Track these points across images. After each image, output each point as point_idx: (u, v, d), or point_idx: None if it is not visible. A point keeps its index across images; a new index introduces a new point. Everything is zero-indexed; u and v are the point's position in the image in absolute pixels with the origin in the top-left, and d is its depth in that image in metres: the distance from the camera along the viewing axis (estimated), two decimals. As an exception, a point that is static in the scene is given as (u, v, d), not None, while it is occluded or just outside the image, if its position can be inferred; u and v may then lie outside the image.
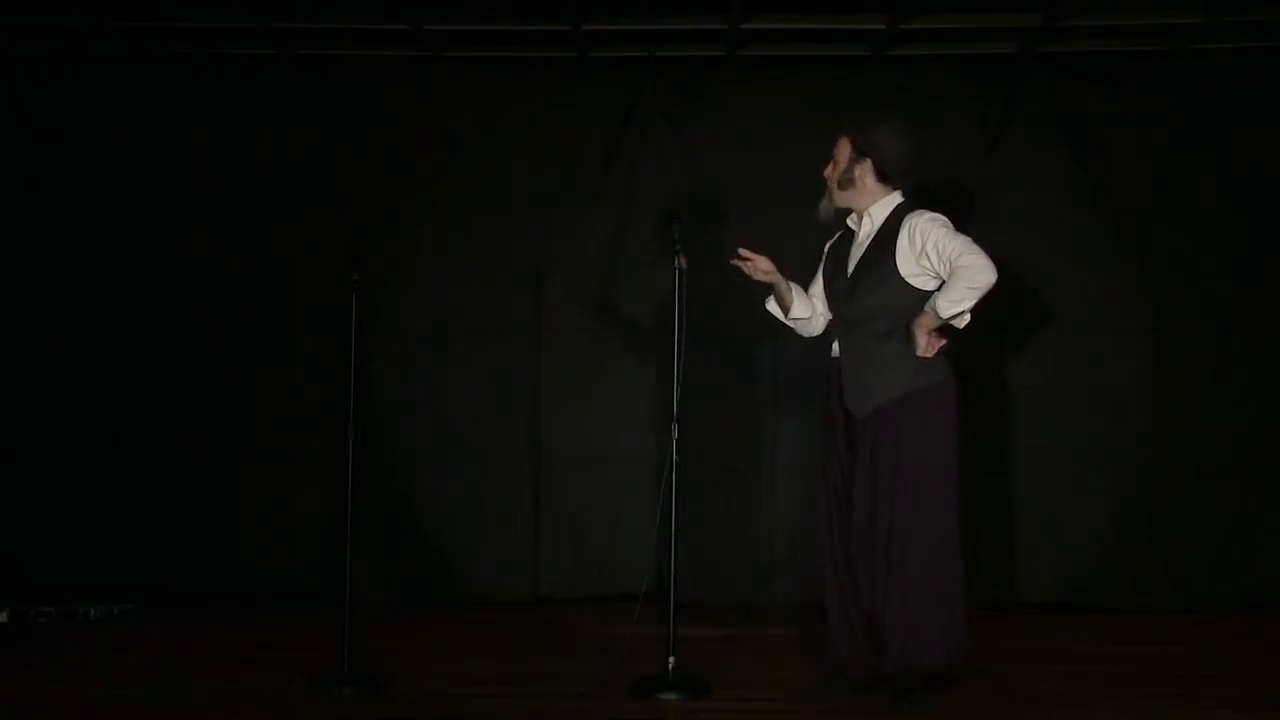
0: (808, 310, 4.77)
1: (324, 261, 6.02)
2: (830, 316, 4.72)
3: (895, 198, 4.61)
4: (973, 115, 6.32)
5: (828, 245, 4.82)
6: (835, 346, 4.61)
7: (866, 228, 4.61)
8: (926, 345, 4.43)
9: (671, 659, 4.64)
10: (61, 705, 4.52)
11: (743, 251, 4.69)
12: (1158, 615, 6.06)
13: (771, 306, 4.87)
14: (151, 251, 6.37)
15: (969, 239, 4.39)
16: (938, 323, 4.42)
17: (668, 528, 4.72)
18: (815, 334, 4.81)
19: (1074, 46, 6.29)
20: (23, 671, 5.01)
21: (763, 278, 4.71)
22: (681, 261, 4.69)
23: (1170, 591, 6.21)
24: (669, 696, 4.57)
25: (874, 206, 4.59)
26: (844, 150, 4.63)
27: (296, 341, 6.30)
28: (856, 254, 4.61)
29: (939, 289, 4.42)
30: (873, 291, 4.50)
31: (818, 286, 4.80)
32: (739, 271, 4.71)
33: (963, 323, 4.46)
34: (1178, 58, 6.30)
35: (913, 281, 4.47)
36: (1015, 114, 6.34)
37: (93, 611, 5.90)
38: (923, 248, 4.42)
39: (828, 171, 4.66)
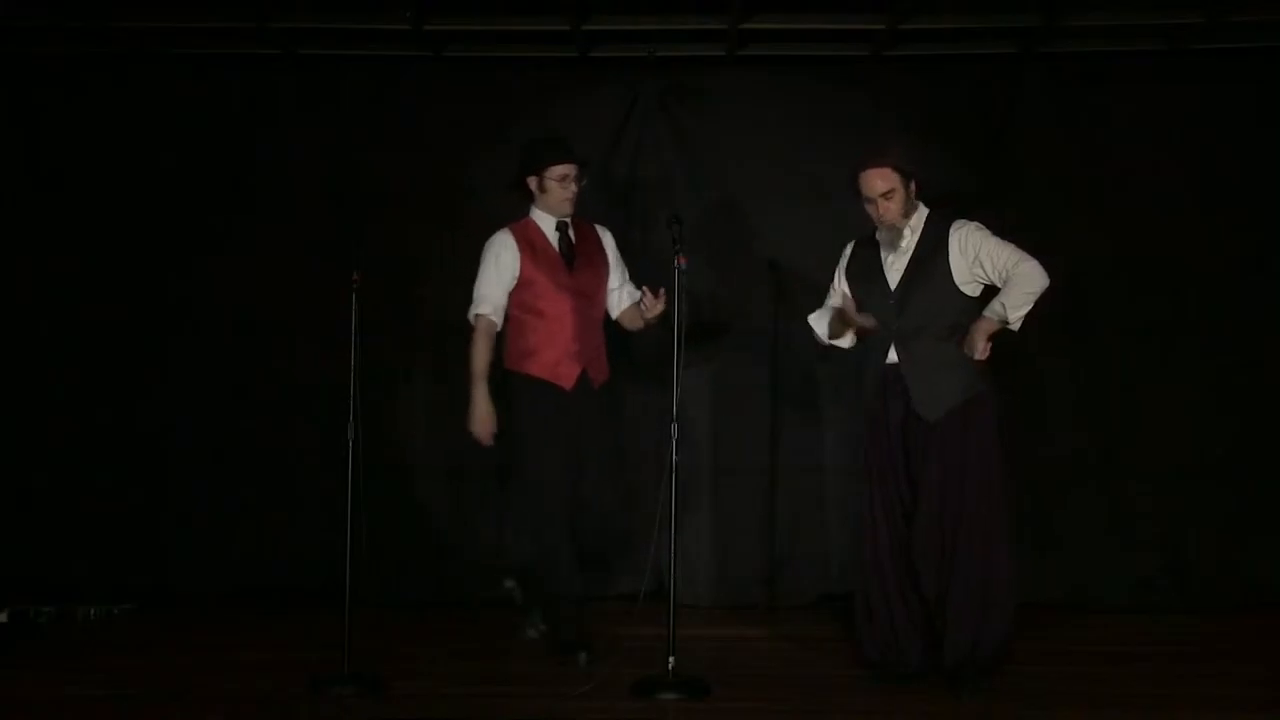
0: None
1: (324, 261, 6.03)
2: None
3: (922, 206, 4.78)
4: (973, 115, 6.31)
5: (842, 265, 4.92)
6: (892, 353, 4.70)
7: (907, 239, 4.72)
8: (983, 349, 4.56)
9: (671, 659, 4.64)
10: (61, 705, 4.52)
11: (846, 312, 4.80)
12: (1158, 615, 6.05)
13: (818, 326, 5.01)
14: (151, 251, 6.36)
15: (1015, 245, 4.61)
16: (999, 327, 4.57)
17: (668, 528, 4.73)
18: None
19: (1074, 46, 6.28)
20: (23, 671, 5.00)
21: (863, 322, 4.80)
22: (681, 261, 4.70)
23: (1170, 591, 6.21)
24: (669, 696, 4.58)
25: (913, 219, 4.75)
26: (893, 180, 4.68)
27: (296, 341, 6.29)
28: (898, 264, 4.73)
29: (992, 294, 4.60)
30: (926, 301, 4.66)
31: (835, 299, 4.91)
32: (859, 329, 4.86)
33: (1018, 326, 4.61)
34: (1178, 58, 6.29)
35: (964, 289, 4.68)
36: (1015, 114, 6.34)
37: (93, 611, 5.90)
38: (975, 257, 4.62)
39: (890, 211, 4.68)
